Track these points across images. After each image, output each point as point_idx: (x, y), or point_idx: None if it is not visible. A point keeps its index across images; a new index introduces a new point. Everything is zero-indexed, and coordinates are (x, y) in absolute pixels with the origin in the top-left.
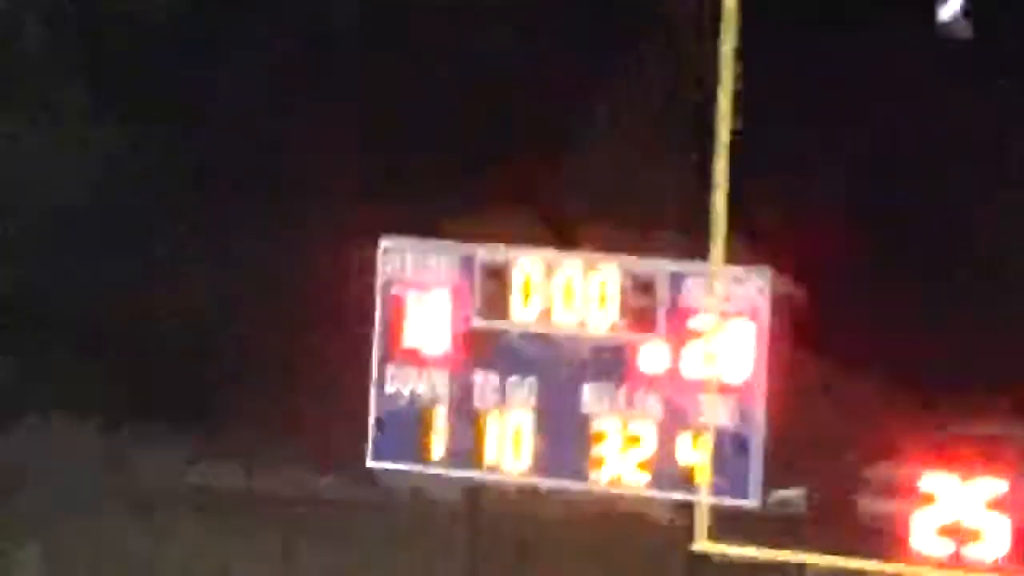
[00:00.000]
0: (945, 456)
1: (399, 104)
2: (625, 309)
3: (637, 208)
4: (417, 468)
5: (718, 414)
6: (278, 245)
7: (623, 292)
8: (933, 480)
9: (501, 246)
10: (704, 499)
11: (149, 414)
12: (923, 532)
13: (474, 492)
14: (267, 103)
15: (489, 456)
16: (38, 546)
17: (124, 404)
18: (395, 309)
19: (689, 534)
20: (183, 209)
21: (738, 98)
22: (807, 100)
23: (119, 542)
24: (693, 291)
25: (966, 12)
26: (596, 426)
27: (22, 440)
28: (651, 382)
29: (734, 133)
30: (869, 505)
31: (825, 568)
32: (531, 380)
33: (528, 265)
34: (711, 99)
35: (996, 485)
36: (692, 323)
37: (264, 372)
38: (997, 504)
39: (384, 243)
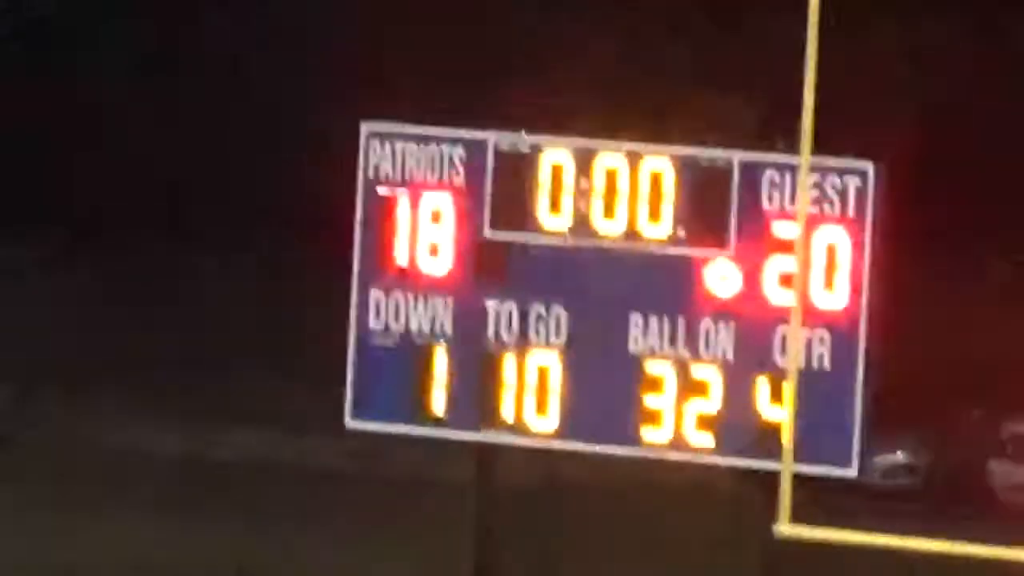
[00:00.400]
0: None
1: None
2: (685, 213)
3: (701, 84)
4: (411, 429)
5: (806, 353)
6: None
7: (682, 190)
8: None
9: (522, 131)
10: (788, 467)
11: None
12: None
13: (486, 460)
14: None
15: (506, 412)
16: None
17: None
18: (382, 216)
19: (769, 513)
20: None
21: None
22: None
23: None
24: (774, 189)
25: None
26: (648, 370)
27: None
28: (719, 311)
29: None
30: (1004, 474)
31: (946, 556)
32: (560, 310)
33: (558, 156)
34: None
35: None
36: (772, 231)
37: (210, 301)
38: None
39: (367, 127)
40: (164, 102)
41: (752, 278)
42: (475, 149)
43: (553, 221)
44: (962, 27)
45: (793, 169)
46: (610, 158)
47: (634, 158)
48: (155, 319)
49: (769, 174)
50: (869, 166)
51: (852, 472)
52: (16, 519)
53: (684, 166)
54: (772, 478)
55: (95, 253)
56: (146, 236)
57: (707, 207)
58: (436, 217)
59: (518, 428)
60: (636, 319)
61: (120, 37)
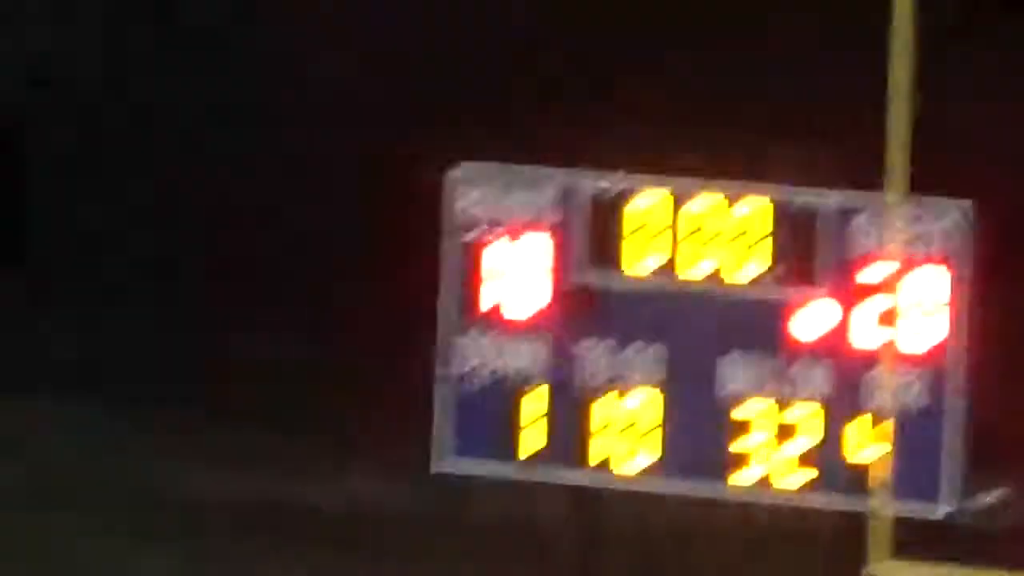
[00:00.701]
0: None
1: None
2: (777, 255)
3: (792, 125)
4: (502, 471)
5: (901, 393)
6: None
7: (774, 232)
8: None
9: (617, 173)
10: (881, 507)
11: (153, 402)
12: None
13: (580, 500)
14: None
15: (599, 452)
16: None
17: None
18: (471, 260)
19: (861, 553)
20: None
21: None
22: None
23: (118, 562)
24: (867, 230)
25: None
26: (738, 412)
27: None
28: (811, 352)
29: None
30: None
31: None
32: (653, 351)
33: (651, 198)
34: None
35: None
36: (866, 273)
37: (294, 346)
38: None
39: (455, 171)
40: (237, 153)
41: (845, 320)
42: (568, 190)
43: (646, 262)
44: None
45: (886, 209)
46: (704, 200)
47: (729, 199)
48: (236, 369)
49: (863, 215)
50: (965, 205)
51: (946, 512)
52: (105, 558)
53: (777, 208)
54: (865, 519)
55: (176, 297)
56: (226, 278)
57: (799, 249)
58: (528, 259)
59: (611, 470)
60: (728, 361)
61: (185, 90)
